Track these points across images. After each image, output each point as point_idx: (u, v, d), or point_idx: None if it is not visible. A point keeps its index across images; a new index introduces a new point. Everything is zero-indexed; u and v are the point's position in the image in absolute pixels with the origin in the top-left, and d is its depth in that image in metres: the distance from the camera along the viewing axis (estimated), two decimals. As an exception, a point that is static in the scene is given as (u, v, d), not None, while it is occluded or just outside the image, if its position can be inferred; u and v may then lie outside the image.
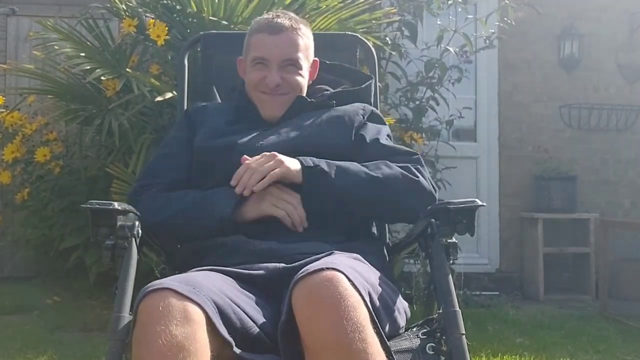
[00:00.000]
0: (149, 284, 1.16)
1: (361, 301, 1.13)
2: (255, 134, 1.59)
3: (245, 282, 1.32)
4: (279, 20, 1.65)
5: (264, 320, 1.24)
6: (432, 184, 1.57)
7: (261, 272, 1.34)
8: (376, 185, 1.49)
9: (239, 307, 1.22)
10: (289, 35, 1.64)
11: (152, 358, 1.07)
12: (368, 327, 1.11)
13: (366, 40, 2.04)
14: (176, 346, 1.07)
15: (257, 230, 1.47)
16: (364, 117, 1.67)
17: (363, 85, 1.80)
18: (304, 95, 1.68)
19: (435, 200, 1.52)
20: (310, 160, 1.48)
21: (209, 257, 1.42)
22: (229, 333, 1.16)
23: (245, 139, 1.57)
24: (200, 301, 1.13)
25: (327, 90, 1.74)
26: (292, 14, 1.71)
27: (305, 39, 1.68)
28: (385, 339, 1.15)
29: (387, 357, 1.13)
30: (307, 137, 1.58)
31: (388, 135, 1.68)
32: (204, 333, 1.11)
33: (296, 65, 1.65)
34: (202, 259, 1.43)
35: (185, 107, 1.92)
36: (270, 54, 1.63)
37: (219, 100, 1.87)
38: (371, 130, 1.65)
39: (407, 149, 1.67)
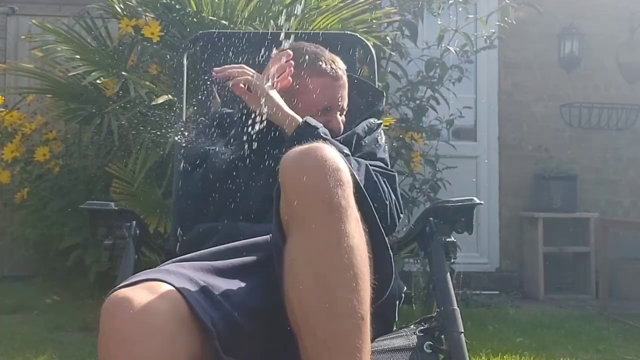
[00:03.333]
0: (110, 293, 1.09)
1: (347, 168, 1.14)
2: None
3: (226, 257, 1.28)
4: (336, 66, 1.69)
5: (245, 295, 1.20)
6: (396, 209, 1.56)
7: (246, 244, 1.33)
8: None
9: (213, 289, 1.16)
10: (344, 83, 1.70)
11: None
12: (349, 188, 1.12)
13: (365, 40, 2.04)
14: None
15: (255, 214, 1.49)
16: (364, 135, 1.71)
17: (377, 109, 1.84)
18: None
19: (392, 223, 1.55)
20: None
21: (205, 246, 1.39)
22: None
23: None
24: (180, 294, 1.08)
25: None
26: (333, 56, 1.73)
27: None
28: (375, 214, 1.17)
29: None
30: None
31: (378, 142, 1.72)
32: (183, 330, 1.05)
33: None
34: (199, 247, 1.40)
35: (185, 106, 1.93)
36: (335, 101, 1.68)
37: (218, 100, 1.87)
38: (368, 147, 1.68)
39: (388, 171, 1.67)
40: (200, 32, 2.09)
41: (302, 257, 1.10)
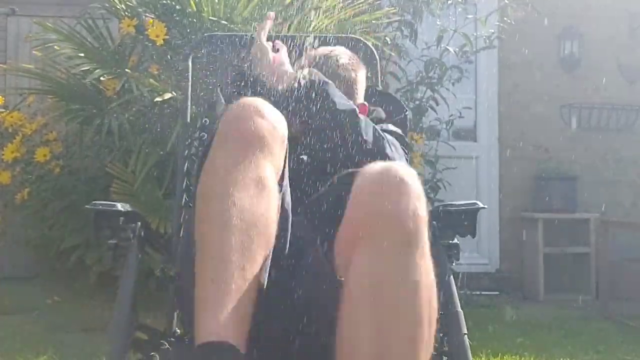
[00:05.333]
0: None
1: (425, 208, 1.11)
2: None
3: None
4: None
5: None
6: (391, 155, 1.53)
7: None
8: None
9: None
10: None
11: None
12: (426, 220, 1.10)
13: (368, 43, 2.06)
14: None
15: None
16: None
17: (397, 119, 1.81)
18: None
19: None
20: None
21: None
22: None
23: None
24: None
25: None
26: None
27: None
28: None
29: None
30: None
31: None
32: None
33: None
34: None
35: (189, 108, 1.94)
36: None
37: (223, 102, 1.88)
38: None
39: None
40: (206, 34, 2.11)
41: (366, 283, 1.06)
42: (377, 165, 1.13)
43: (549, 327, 3.78)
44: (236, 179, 1.10)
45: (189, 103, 1.95)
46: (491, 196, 5.12)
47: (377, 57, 2.03)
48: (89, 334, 3.23)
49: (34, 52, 3.93)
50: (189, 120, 1.94)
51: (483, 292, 4.72)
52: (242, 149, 1.14)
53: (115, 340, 1.17)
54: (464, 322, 1.20)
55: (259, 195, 1.11)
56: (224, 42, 2.05)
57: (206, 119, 1.91)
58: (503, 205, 5.15)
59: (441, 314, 1.24)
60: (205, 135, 1.89)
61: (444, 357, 1.21)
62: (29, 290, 4.11)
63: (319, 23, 3.25)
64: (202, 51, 2.06)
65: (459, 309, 1.22)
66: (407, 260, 1.06)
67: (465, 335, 1.19)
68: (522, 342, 3.35)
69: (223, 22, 3.13)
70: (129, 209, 1.31)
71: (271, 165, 1.16)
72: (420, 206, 1.09)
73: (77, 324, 3.40)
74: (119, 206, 1.28)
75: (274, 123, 1.18)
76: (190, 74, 1.97)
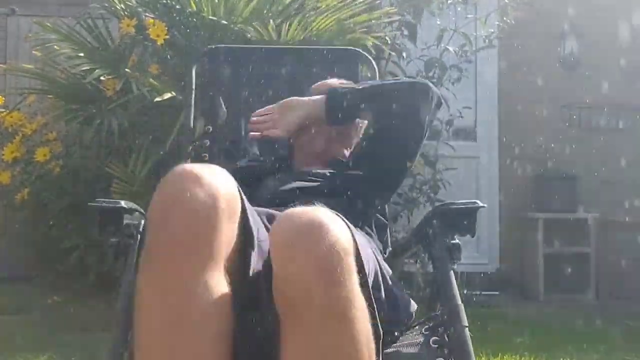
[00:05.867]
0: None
1: (352, 250, 1.01)
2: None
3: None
4: None
5: None
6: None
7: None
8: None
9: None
10: None
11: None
12: (354, 285, 1.00)
13: (366, 54, 2.12)
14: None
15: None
16: None
17: None
18: None
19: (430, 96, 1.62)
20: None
21: None
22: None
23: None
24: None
25: None
26: None
27: None
28: (374, 305, 1.07)
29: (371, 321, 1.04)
30: None
31: None
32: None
33: None
34: None
35: (192, 117, 1.98)
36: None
37: (224, 109, 1.93)
38: None
39: None
40: (208, 47, 2.18)
41: None
42: (290, 221, 1.02)
43: (549, 326, 3.78)
44: (169, 320, 1.01)
45: (192, 113, 1.98)
46: (491, 196, 5.12)
47: (376, 67, 2.08)
48: (89, 334, 3.22)
49: (34, 52, 3.93)
50: (191, 126, 1.97)
51: (483, 292, 4.72)
52: (176, 267, 1.01)
53: (115, 339, 1.17)
54: (465, 315, 1.20)
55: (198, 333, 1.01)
56: (228, 54, 2.10)
57: (209, 126, 1.94)
58: (503, 205, 5.15)
59: (441, 308, 1.25)
60: (208, 142, 1.92)
61: (445, 350, 1.20)
62: (29, 290, 4.11)
63: (318, 23, 3.24)
64: (205, 62, 2.10)
65: (459, 302, 1.22)
66: (334, 339, 1.00)
67: (466, 327, 1.19)
68: (522, 342, 3.36)
69: (223, 22, 3.13)
70: (133, 206, 1.31)
71: (217, 270, 1.03)
72: (341, 263, 0.98)
73: (76, 324, 3.40)
74: (123, 203, 1.28)
75: (215, 195, 1.04)
76: (193, 84, 2.01)
